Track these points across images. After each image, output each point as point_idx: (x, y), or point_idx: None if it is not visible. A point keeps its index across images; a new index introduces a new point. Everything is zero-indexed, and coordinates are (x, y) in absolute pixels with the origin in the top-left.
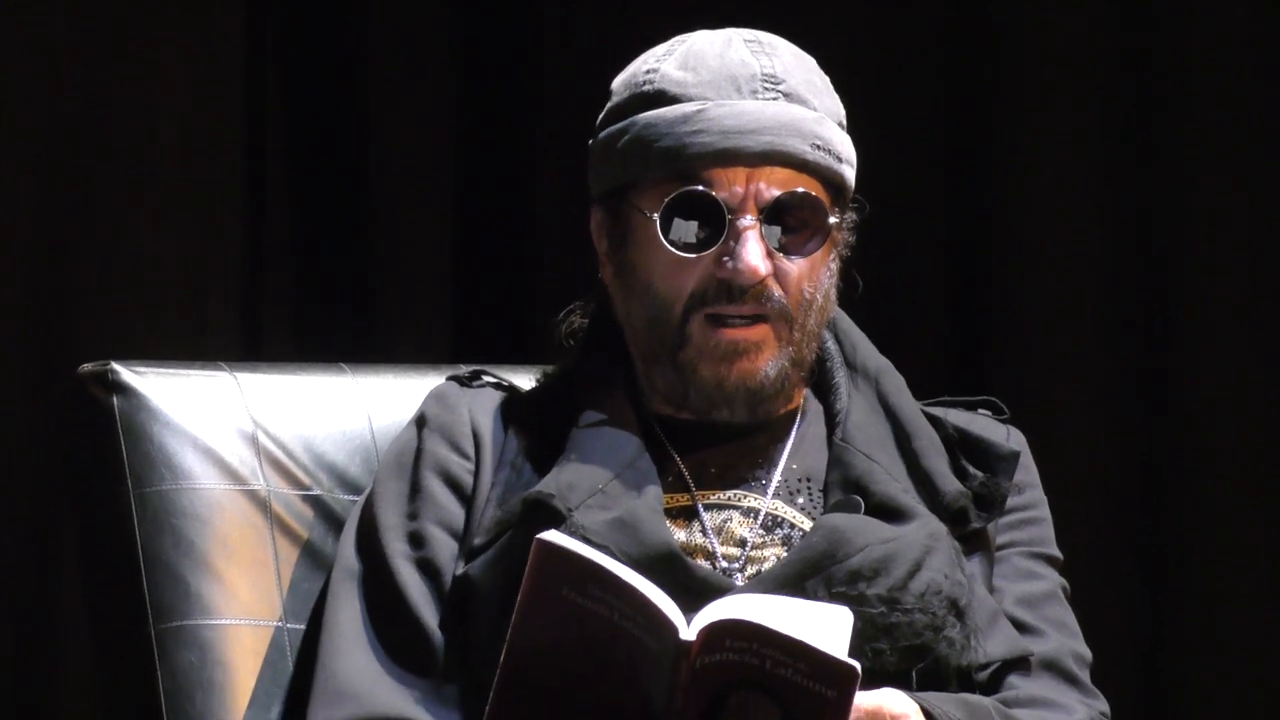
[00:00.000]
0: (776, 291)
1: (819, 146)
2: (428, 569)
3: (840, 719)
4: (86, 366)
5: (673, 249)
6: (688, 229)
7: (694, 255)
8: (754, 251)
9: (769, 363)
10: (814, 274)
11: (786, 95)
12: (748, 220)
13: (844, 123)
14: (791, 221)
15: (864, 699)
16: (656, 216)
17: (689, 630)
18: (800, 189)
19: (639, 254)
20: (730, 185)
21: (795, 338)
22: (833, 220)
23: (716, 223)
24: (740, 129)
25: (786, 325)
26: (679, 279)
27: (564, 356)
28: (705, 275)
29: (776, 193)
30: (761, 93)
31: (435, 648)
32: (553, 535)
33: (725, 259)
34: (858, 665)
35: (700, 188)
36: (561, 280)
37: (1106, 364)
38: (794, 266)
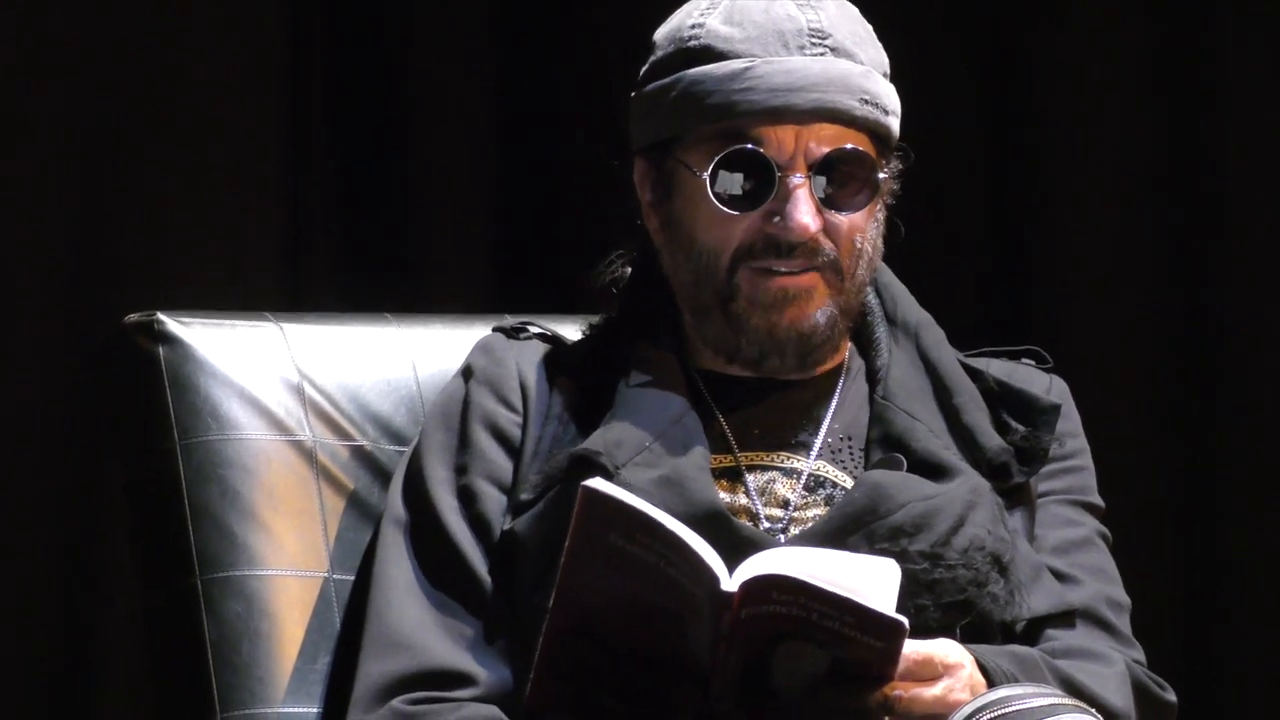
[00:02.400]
0: (826, 245)
1: (867, 101)
2: (477, 523)
3: (889, 667)
4: (132, 317)
5: (722, 207)
6: (737, 186)
7: (743, 213)
8: (805, 209)
9: (819, 310)
10: (863, 225)
11: (833, 50)
12: (798, 178)
13: (888, 72)
14: (840, 176)
15: (916, 647)
16: (706, 175)
17: (730, 581)
18: (849, 145)
19: (685, 208)
20: (779, 142)
21: (845, 286)
22: (882, 176)
23: (766, 180)
24: (789, 86)
25: (837, 275)
26: (726, 233)
27: (607, 305)
28: (753, 230)
29: (825, 149)
30: (809, 48)
31: (487, 600)
32: (598, 482)
33: (775, 216)
34: (905, 620)
35: (750, 146)
36: (604, 228)
37: (1151, 307)
38: (843, 220)
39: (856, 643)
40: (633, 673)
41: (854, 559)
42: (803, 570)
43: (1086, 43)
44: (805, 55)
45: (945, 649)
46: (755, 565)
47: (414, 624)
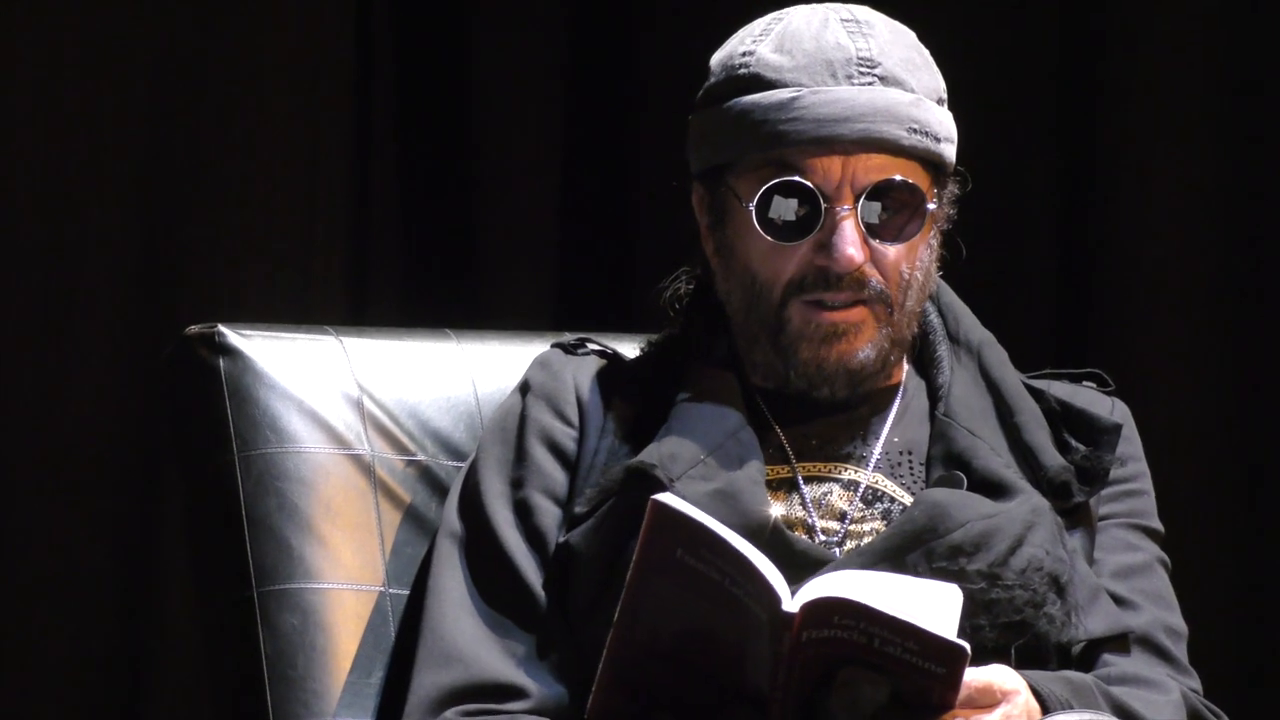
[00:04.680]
0: (874, 278)
1: (916, 130)
2: (533, 537)
3: (949, 695)
4: (194, 328)
5: (769, 237)
6: (784, 216)
7: (790, 243)
8: (849, 240)
9: (868, 344)
10: (912, 255)
11: (883, 79)
12: (844, 209)
13: (944, 98)
14: (888, 206)
15: (974, 675)
16: (752, 206)
17: (791, 602)
18: (897, 176)
19: (736, 237)
20: (826, 172)
21: (894, 318)
22: (931, 206)
23: (812, 210)
24: (835, 117)
25: (885, 307)
26: (776, 264)
27: (668, 322)
28: (803, 262)
29: (873, 179)
30: (857, 77)
31: (541, 614)
32: (667, 497)
33: (822, 247)
34: (967, 646)
35: (796, 177)
36: (666, 248)
37: (1215, 332)
38: (891, 250)
39: (918, 670)
40: (692, 693)
41: (916, 583)
42: (864, 594)
43: (1158, 67)
44: (853, 85)
45: (1002, 676)
46: (817, 587)
47: (468, 636)
